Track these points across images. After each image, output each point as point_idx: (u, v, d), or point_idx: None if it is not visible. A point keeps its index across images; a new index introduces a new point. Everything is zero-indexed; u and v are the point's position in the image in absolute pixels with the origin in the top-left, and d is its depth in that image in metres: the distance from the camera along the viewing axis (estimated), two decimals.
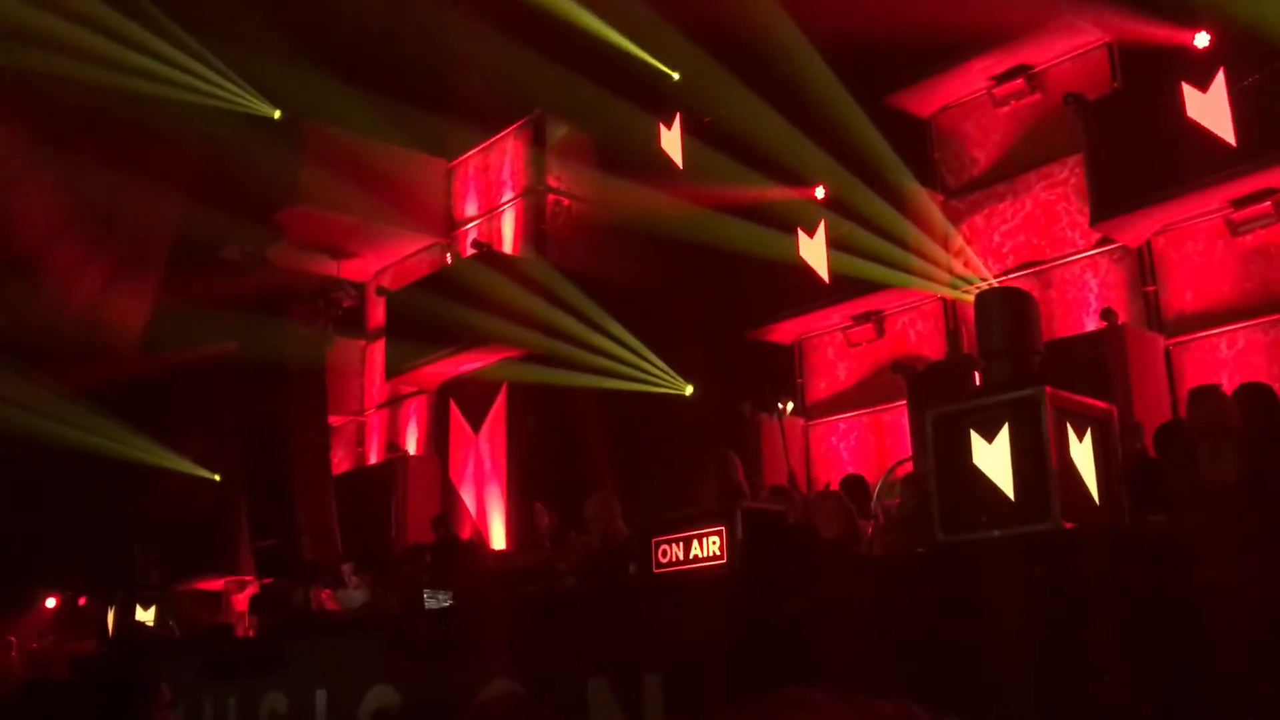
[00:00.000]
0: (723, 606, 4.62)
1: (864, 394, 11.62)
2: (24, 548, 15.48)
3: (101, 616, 10.55)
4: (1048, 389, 3.69)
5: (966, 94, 11.22)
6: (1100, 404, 3.91)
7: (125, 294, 14.43)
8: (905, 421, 10.66)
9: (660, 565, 5.19)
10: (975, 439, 3.82)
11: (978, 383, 7.95)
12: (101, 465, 14.46)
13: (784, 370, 12.20)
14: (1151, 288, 9.93)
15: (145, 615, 9.47)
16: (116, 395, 14.09)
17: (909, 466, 8.17)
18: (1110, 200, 9.55)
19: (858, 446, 11.63)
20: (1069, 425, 3.77)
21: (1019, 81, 10.78)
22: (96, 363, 13.59)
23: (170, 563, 12.32)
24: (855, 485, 8.09)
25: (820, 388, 12.11)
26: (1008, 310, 4.02)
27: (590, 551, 6.83)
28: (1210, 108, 8.84)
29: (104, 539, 13.87)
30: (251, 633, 8.69)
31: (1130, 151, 9.38)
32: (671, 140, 11.96)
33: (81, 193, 13.17)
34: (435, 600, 6.41)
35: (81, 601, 16.41)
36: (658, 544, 5.21)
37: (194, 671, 7.48)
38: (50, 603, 17.22)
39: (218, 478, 15.28)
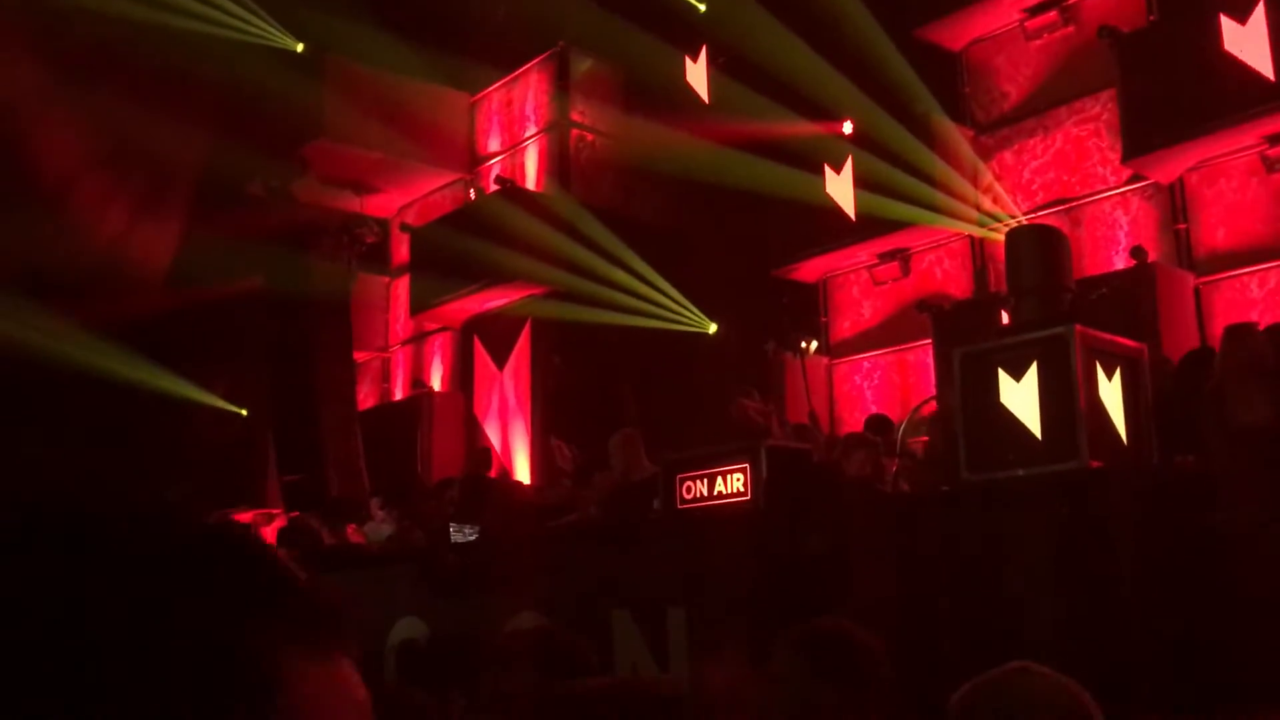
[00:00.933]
0: (746, 542, 4.65)
1: (889, 333, 11.56)
2: (54, 483, 15.69)
3: None
4: (1078, 327, 3.66)
5: (998, 27, 11.00)
6: (1131, 343, 3.88)
7: (150, 229, 14.46)
8: (930, 361, 10.61)
9: (684, 501, 5.22)
10: (1003, 377, 3.80)
11: (1004, 322, 7.90)
12: (131, 400, 14.61)
13: (808, 309, 12.14)
14: (1183, 225, 9.79)
15: None
16: (143, 331, 14.18)
17: (934, 405, 8.14)
18: (1143, 136, 9.39)
19: (881, 386, 11.60)
20: (1099, 364, 3.74)
21: (1052, 14, 10.56)
22: (123, 298, 13.66)
23: (199, 496, 12.51)
24: (880, 424, 8.09)
25: (844, 326, 12.06)
26: (1039, 247, 3.98)
27: (614, 487, 6.86)
28: (1248, 40, 8.64)
29: (135, 475, 14.06)
30: None
31: (1165, 86, 9.19)
32: (697, 74, 11.81)
33: (105, 128, 13.14)
34: (462, 534, 6.47)
35: None
36: (682, 480, 5.25)
37: None
38: None
39: (244, 412, 15.42)
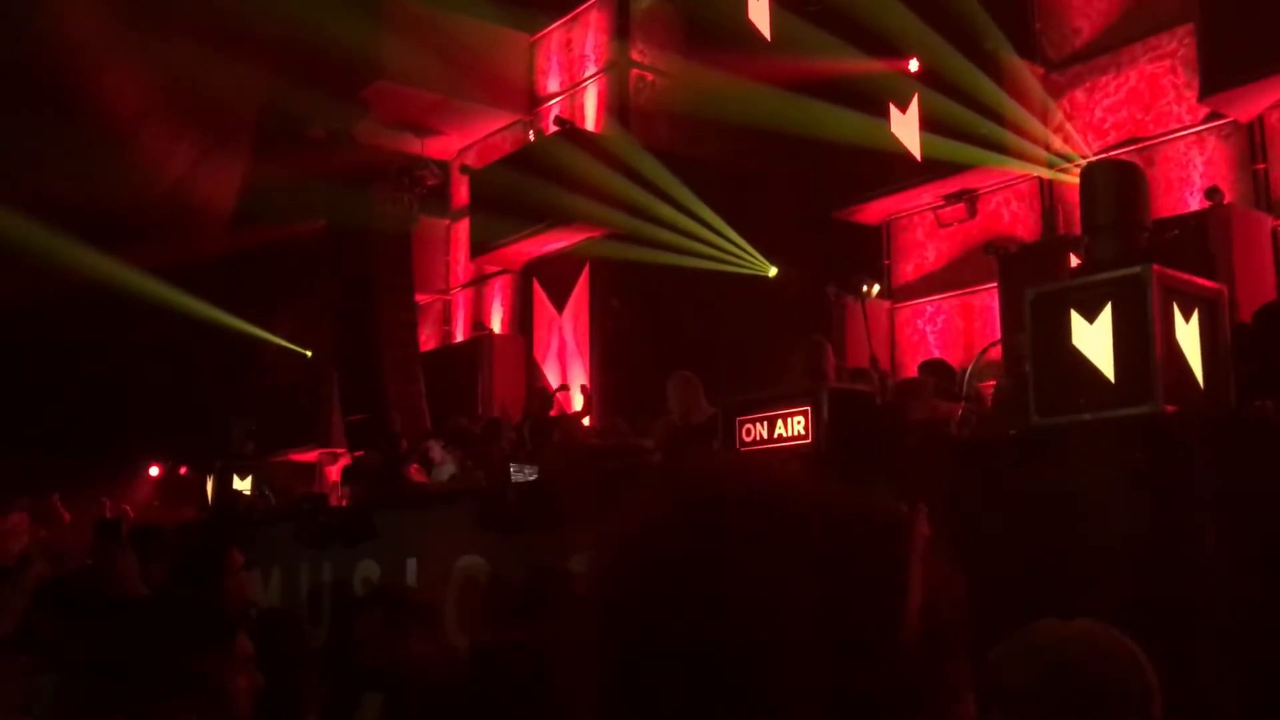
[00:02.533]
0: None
1: (953, 276, 11.37)
2: (129, 419, 16.08)
3: (202, 485, 10.98)
4: (1155, 267, 3.54)
5: None
6: (1210, 284, 3.75)
7: (214, 172, 14.60)
8: (995, 304, 10.43)
9: (744, 444, 5.18)
10: (1075, 319, 3.71)
11: (1073, 265, 7.72)
12: (199, 339, 14.87)
13: (871, 251, 11.97)
14: (1261, 165, 9.47)
15: (242, 484, 9.82)
16: (210, 271, 14.39)
17: (999, 350, 8.01)
18: (1221, 72, 9.06)
19: (945, 330, 11.44)
20: (1175, 305, 3.63)
21: None
22: (189, 239, 13.85)
23: (265, 435, 12.73)
24: (937, 368, 7.95)
25: (908, 270, 11.88)
26: (1115, 183, 3.85)
27: (673, 429, 6.85)
28: None
29: (202, 411, 14.35)
30: (344, 503, 8.94)
31: (1245, 20, 8.84)
32: (759, 11, 11.58)
33: (170, 73, 13.25)
34: (522, 474, 6.51)
35: (182, 470, 17.08)
36: (742, 423, 5.21)
37: (290, 538, 7.74)
38: (154, 471, 17.95)
39: (309, 353, 15.62)
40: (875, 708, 0.86)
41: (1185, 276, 3.68)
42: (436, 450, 8.66)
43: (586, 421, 10.74)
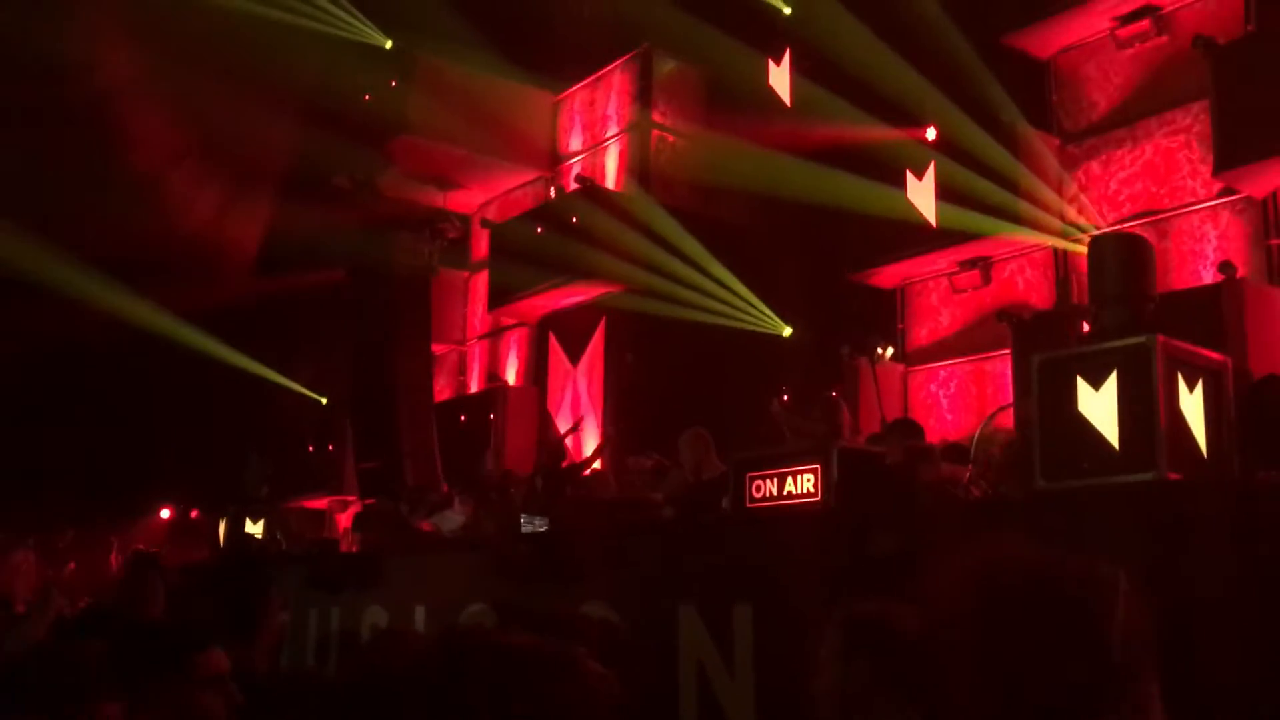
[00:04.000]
0: (815, 542, 4.66)
1: (967, 341, 11.44)
2: (141, 461, 16.19)
3: (213, 528, 11.03)
4: (1160, 337, 3.61)
5: (1089, 35, 10.83)
6: (1215, 354, 3.82)
7: (239, 218, 14.83)
8: (1008, 371, 10.48)
9: (754, 500, 5.23)
10: (1082, 385, 3.77)
11: (1085, 332, 7.78)
12: (216, 384, 15.01)
13: (885, 315, 12.06)
14: (1275, 241, 9.55)
15: (254, 528, 9.87)
16: (231, 317, 14.56)
17: (1010, 414, 8.05)
18: (1236, 148, 9.17)
19: (958, 394, 11.48)
20: (1180, 375, 3.69)
21: (1145, 22, 10.36)
22: (211, 284, 14.04)
23: (277, 480, 12.81)
24: (906, 428, 7.92)
25: (922, 334, 11.95)
26: (1123, 255, 3.94)
27: (685, 485, 6.91)
28: None
29: (216, 455, 14.45)
30: (355, 549, 8.99)
31: (1261, 98, 8.97)
32: (780, 77, 11.80)
33: (198, 119, 13.53)
34: (532, 525, 6.56)
35: (194, 514, 17.15)
36: (752, 479, 5.26)
37: (300, 583, 7.78)
38: (165, 514, 18.02)
39: (325, 400, 15.75)
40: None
41: (1190, 347, 3.75)
42: (455, 501, 8.72)
43: (598, 465, 10.78)
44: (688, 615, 4.95)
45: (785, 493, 5.03)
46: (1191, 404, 3.68)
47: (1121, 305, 3.84)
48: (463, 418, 14.47)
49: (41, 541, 16.45)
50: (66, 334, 13.43)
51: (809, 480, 4.96)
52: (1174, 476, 3.55)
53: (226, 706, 2.98)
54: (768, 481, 5.14)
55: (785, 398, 7.84)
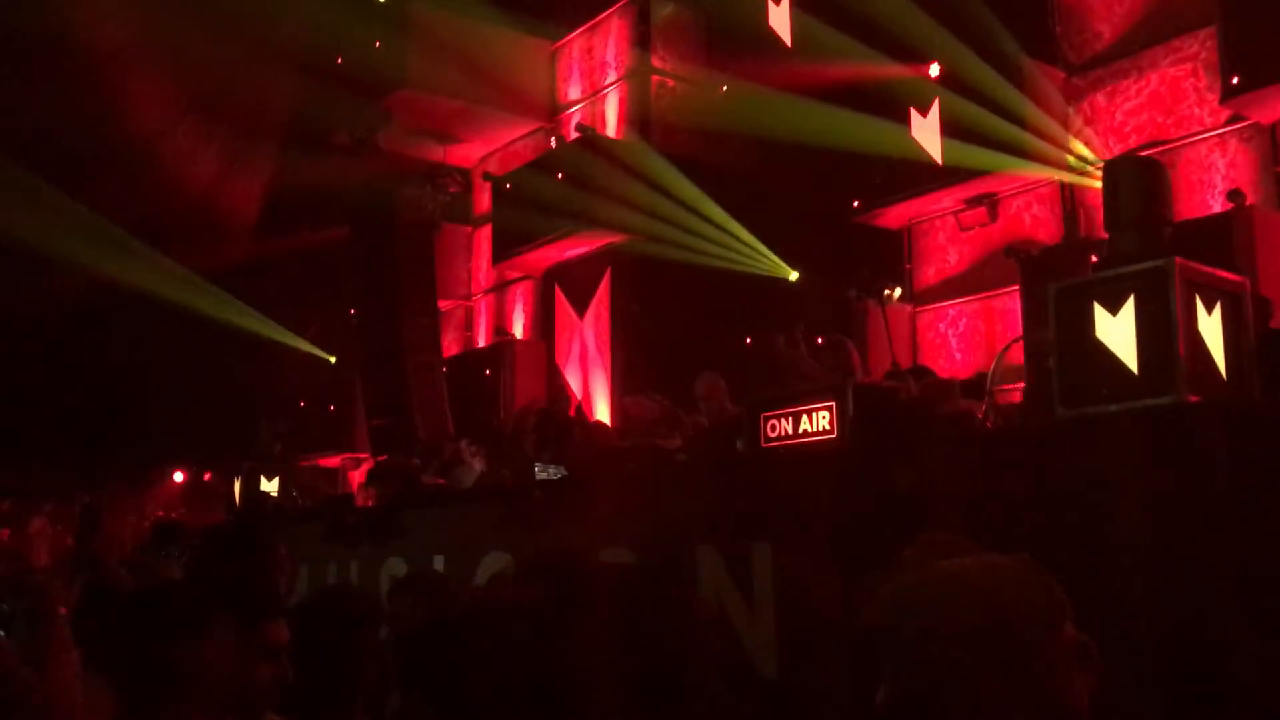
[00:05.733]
0: (832, 480, 4.66)
1: (975, 279, 11.39)
2: (152, 425, 16.25)
3: (227, 489, 11.09)
4: (1178, 260, 3.59)
5: None
6: (1233, 276, 3.79)
7: (240, 178, 14.77)
8: (1017, 307, 10.44)
9: (769, 440, 5.23)
10: (1099, 311, 3.75)
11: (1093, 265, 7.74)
12: (223, 345, 15.02)
13: (892, 255, 12.00)
14: None
15: (269, 486, 9.92)
16: (236, 277, 14.55)
17: (1020, 349, 8.03)
18: (1243, 75, 9.07)
19: (967, 333, 11.46)
20: (1198, 297, 3.67)
21: None
22: (215, 244, 14.01)
23: (289, 439, 12.85)
24: (921, 373, 7.94)
25: (929, 273, 11.90)
26: (1138, 179, 3.90)
27: (700, 430, 6.91)
28: None
29: (227, 416, 14.50)
30: (370, 503, 9.04)
31: (1267, 22, 8.86)
32: (780, 17, 11.66)
33: (196, 79, 13.42)
34: (547, 473, 6.58)
35: (206, 476, 17.24)
36: (766, 419, 5.26)
37: (318, 538, 7.83)
38: (178, 477, 18.12)
39: (333, 359, 15.76)
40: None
41: (1208, 269, 3.72)
42: (465, 453, 8.74)
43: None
44: (707, 555, 4.96)
45: (801, 431, 5.03)
46: (1210, 326, 3.66)
47: (1137, 230, 3.81)
48: (471, 372, 14.49)
49: (55, 509, 16.57)
50: (73, 298, 13.43)
51: (824, 418, 4.96)
52: (1194, 399, 3.54)
53: (275, 679, 2.96)
54: (783, 420, 5.13)
55: (791, 335, 7.82)
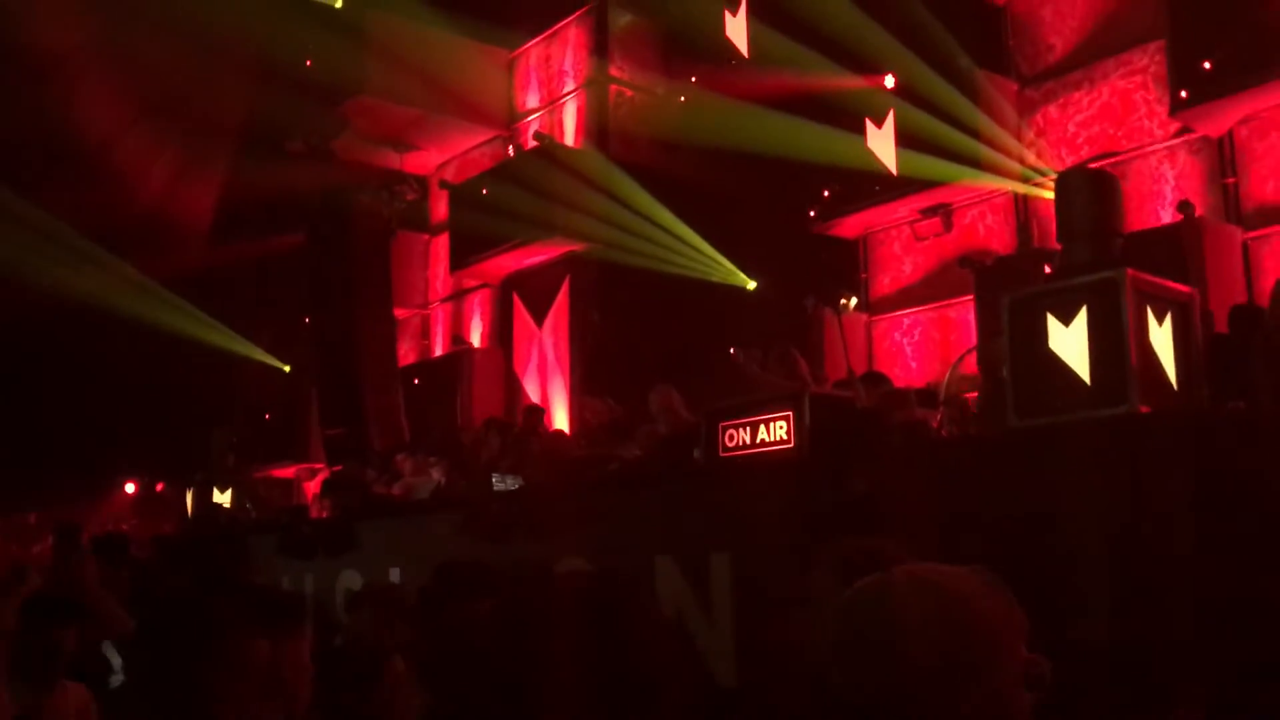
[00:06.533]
0: (789, 489, 4.67)
1: (929, 289, 11.48)
2: (102, 435, 15.99)
3: (180, 500, 10.94)
4: (1129, 271, 3.63)
5: None
6: (1183, 287, 3.84)
7: (193, 185, 14.59)
8: (971, 316, 10.53)
9: (727, 449, 5.24)
10: (1052, 322, 3.79)
11: (1047, 276, 7.82)
12: (175, 354, 14.82)
13: (849, 265, 12.07)
14: (1231, 179, 9.63)
15: (222, 498, 9.79)
16: (189, 285, 14.37)
17: (974, 359, 8.10)
18: (1192, 88, 9.22)
19: (922, 342, 11.55)
20: (1149, 308, 3.72)
21: None
22: (167, 253, 13.82)
23: (244, 450, 12.70)
24: (877, 379, 7.98)
25: (885, 283, 11.98)
26: (1090, 191, 3.94)
27: (657, 439, 6.90)
28: None
29: (179, 427, 14.30)
30: (325, 514, 8.95)
31: (1216, 36, 9.01)
32: (737, 27, 11.70)
33: (148, 85, 13.26)
34: (504, 484, 6.54)
35: (159, 487, 16.99)
36: (724, 428, 5.26)
37: (272, 550, 7.74)
38: (129, 488, 17.85)
39: (287, 368, 15.59)
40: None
41: (1158, 281, 3.77)
42: (424, 463, 8.67)
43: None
44: (664, 566, 4.96)
45: (759, 440, 5.04)
46: (1161, 337, 3.71)
47: (1090, 241, 3.86)
48: (428, 381, 14.39)
49: (5, 522, 16.26)
50: (15, 308, 13.19)
51: (781, 428, 4.97)
52: (1146, 410, 3.58)
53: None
54: (740, 430, 5.14)
55: (738, 351, 7.85)
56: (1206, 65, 9.00)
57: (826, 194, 11.49)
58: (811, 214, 11.69)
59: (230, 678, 2.40)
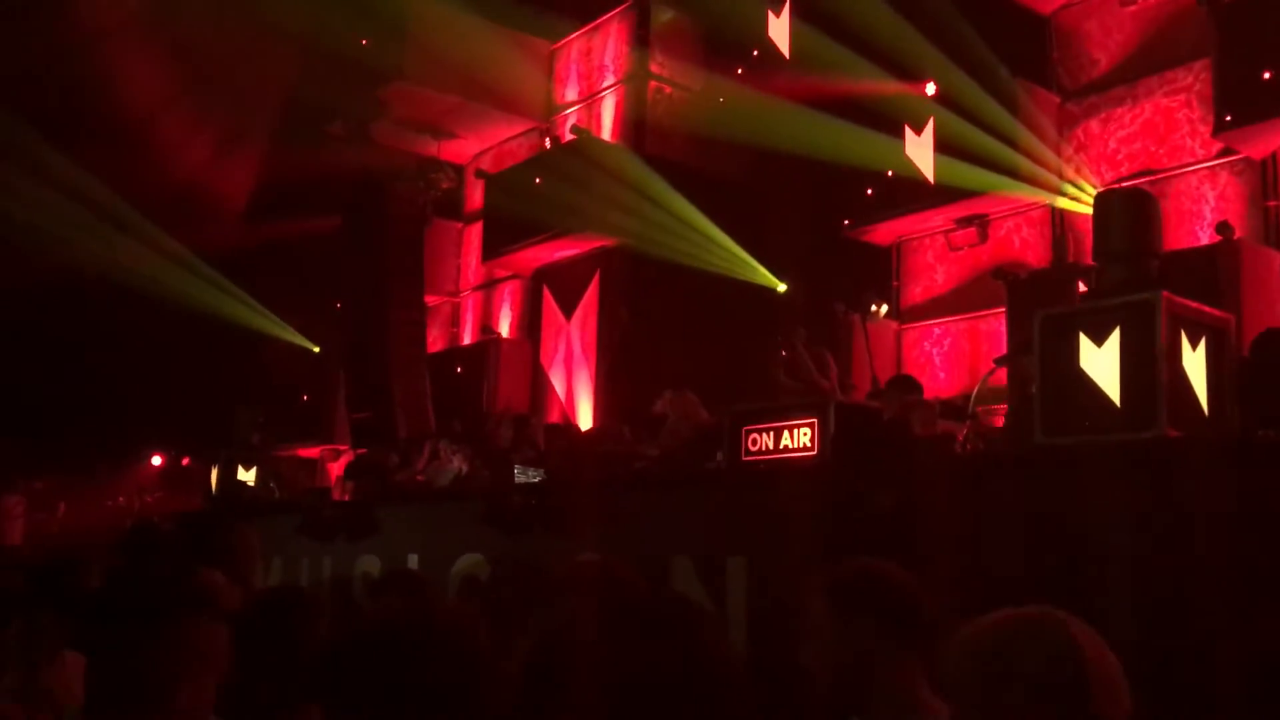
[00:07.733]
0: (810, 496, 4.65)
1: (961, 299, 11.41)
2: (132, 408, 16.14)
3: (205, 476, 11.03)
4: (1165, 294, 3.59)
5: None
6: (1217, 312, 3.80)
7: (231, 163, 14.69)
8: (1002, 329, 10.44)
9: (749, 453, 5.23)
10: (1084, 342, 3.75)
11: (1081, 292, 7.76)
12: (207, 331, 14.94)
13: (881, 272, 12.01)
14: (1273, 202, 9.51)
15: (247, 475, 9.86)
16: (224, 261, 14.48)
17: (1004, 372, 8.04)
18: (1236, 109, 9.11)
19: (951, 352, 11.48)
20: (1183, 332, 3.68)
21: None
22: (205, 226, 13.93)
23: (269, 428, 12.78)
24: (905, 384, 7.95)
25: (916, 291, 11.92)
26: (1129, 211, 3.91)
27: (680, 439, 6.89)
28: None
29: (207, 402, 14.41)
30: (347, 497, 8.99)
31: (1261, 57, 8.90)
32: (779, 28, 11.65)
33: (190, 64, 13.35)
34: (526, 476, 6.55)
35: (185, 461, 17.14)
36: (748, 432, 5.25)
37: (292, 531, 7.79)
38: (156, 461, 18.01)
39: (317, 349, 15.69)
40: None
41: (1193, 305, 3.73)
42: (447, 451, 8.70)
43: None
44: (681, 567, 4.95)
45: (781, 446, 5.02)
46: (1194, 362, 3.67)
47: (1126, 262, 3.83)
48: (457, 369, 14.44)
49: (31, 490, 16.45)
50: (51, 281, 13.32)
51: (805, 434, 4.95)
52: (1174, 434, 3.54)
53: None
54: (764, 435, 5.13)
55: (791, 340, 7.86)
56: (1266, 75, 8.84)
57: (870, 191, 11.40)
58: (846, 221, 11.65)
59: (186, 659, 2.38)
